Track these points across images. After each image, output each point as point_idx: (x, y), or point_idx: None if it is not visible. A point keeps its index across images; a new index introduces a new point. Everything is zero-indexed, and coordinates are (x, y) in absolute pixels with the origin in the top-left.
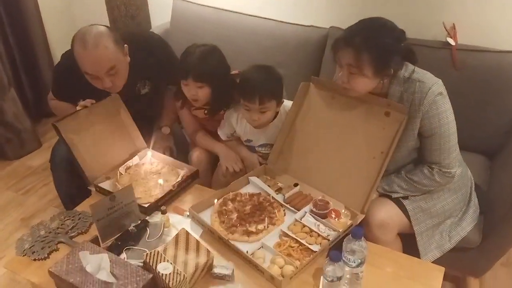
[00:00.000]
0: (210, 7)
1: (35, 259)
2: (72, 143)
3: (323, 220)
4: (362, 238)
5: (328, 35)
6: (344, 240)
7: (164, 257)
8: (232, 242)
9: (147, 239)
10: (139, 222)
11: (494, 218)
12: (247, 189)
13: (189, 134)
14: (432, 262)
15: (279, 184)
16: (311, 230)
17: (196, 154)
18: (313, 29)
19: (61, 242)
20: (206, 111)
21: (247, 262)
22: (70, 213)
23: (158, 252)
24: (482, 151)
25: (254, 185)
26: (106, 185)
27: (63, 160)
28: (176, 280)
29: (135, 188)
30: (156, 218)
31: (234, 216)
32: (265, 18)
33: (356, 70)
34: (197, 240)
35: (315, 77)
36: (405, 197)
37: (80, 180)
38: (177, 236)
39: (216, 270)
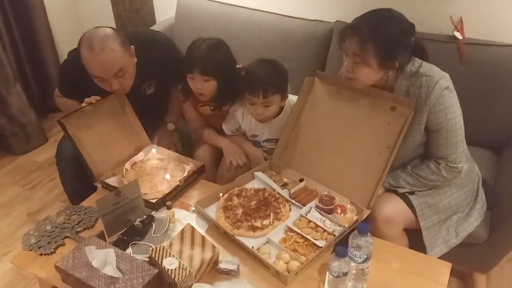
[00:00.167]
0: (215, 1)
1: (41, 254)
2: (78, 139)
3: (328, 215)
4: (368, 233)
5: (333, 29)
6: (350, 235)
7: (170, 252)
8: (238, 238)
9: (153, 234)
10: (144, 217)
11: (501, 213)
12: (253, 184)
13: (193, 130)
14: (439, 258)
15: (285, 179)
16: (317, 226)
17: (201, 150)
18: (318, 23)
19: (67, 237)
20: (212, 108)
21: (252, 257)
22: (76, 208)
23: (163, 247)
24: (489, 146)
25: (260, 180)
26: (112, 181)
27: (68, 156)
28: (182, 275)
29: (142, 184)
30: (161, 213)
31: (240, 211)
32: (270, 12)
33: (360, 60)
34: (202, 235)
35: (320, 72)
36: (412, 192)
37: (86, 176)
38: (182, 231)
39: (221, 265)
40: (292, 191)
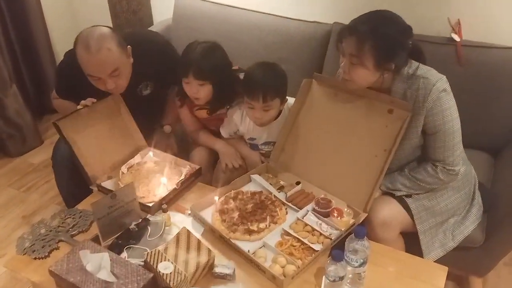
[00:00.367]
0: (213, 2)
1: (35, 258)
2: (74, 141)
3: (325, 218)
4: (365, 237)
5: (331, 31)
6: (347, 239)
7: (165, 256)
8: (234, 241)
9: (148, 237)
10: (140, 220)
11: (497, 217)
12: (249, 187)
13: (189, 133)
14: (435, 261)
15: (281, 182)
16: (313, 229)
17: (197, 153)
18: (317, 25)
19: (61, 240)
20: (208, 112)
21: (248, 261)
22: (71, 211)
23: (159, 251)
24: (486, 149)
25: (256, 183)
26: (108, 184)
27: (64, 158)
28: (177, 280)
29: (138, 187)
30: (157, 216)
31: (236, 214)
32: (268, 14)
33: (357, 60)
34: (198, 239)
35: (318, 74)
36: (408, 196)
37: (82, 178)
38: (178, 235)
39: (217, 270)
40: (288, 194)
